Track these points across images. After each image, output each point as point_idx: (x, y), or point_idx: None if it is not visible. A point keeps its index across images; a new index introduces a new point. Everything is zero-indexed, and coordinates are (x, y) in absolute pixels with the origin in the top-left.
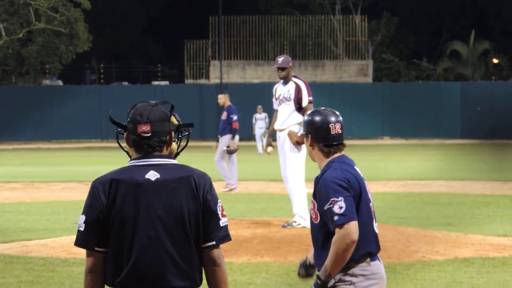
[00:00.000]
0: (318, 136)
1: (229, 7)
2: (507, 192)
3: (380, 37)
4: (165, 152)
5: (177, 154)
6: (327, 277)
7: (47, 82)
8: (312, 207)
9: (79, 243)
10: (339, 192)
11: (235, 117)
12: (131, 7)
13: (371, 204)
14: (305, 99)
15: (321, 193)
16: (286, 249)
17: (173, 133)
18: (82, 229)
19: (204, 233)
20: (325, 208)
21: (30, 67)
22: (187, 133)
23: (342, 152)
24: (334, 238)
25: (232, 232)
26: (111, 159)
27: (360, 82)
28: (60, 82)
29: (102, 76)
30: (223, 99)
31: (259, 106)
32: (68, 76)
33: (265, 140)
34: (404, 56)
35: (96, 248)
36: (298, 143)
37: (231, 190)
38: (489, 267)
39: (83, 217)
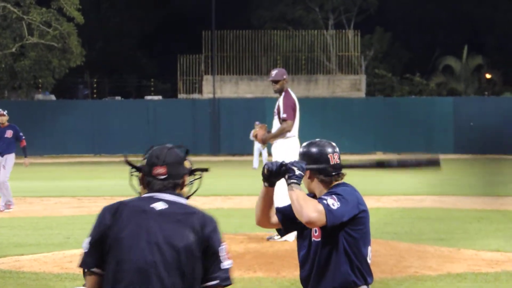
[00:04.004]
0: (319, 168)
1: (222, 22)
2: (500, 207)
3: (373, 52)
4: None
5: (188, 197)
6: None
7: (40, 96)
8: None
9: (81, 263)
10: (345, 200)
11: (23, 136)
12: (124, 22)
13: None
14: (281, 116)
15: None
16: (279, 264)
17: (186, 177)
18: (86, 250)
19: (205, 273)
20: (321, 197)
21: (22, 82)
22: (199, 176)
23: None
24: (315, 203)
25: None
26: (104, 173)
27: (353, 97)
28: (53, 97)
29: (95, 90)
30: (4, 118)
31: (257, 122)
32: (61, 91)
33: (264, 156)
34: (397, 71)
35: (95, 269)
36: (263, 142)
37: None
38: (481, 282)
39: (88, 239)
